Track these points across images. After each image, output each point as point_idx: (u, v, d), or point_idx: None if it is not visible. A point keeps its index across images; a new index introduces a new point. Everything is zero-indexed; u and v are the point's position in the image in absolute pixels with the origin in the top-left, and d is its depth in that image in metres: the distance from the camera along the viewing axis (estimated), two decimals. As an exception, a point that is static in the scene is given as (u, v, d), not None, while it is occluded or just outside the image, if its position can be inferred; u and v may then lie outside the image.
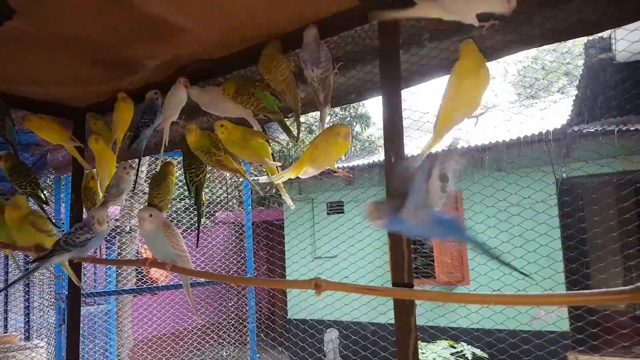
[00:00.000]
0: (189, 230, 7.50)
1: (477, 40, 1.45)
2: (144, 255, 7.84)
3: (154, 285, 7.04)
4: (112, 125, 2.13)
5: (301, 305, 8.48)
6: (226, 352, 6.73)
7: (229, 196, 5.99)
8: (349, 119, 14.06)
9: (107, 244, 6.49)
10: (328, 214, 8.70)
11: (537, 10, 1.39)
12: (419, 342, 5.53)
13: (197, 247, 1.89)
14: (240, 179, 5.47)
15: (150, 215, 1.59)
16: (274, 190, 9.39)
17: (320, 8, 1.55)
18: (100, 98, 2.27)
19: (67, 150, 2.99)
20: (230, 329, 6.61)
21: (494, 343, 5.74)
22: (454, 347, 5.73)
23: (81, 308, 3.69)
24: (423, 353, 5.61)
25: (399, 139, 1.40)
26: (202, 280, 4.93)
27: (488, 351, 5.95)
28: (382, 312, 6.39)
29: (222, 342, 6.60)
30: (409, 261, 1.35)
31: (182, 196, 6.67)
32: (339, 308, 6.65)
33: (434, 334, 5.84)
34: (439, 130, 1.42)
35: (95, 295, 4.42)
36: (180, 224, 6.89)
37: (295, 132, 1.75)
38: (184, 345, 6.88)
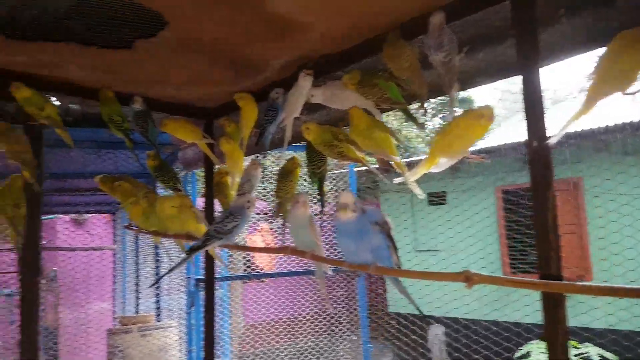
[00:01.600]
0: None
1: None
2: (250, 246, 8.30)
3: (265, 272, 7.40)
4: (240, 123, 2.28)
5: (402, 300, 8.37)
6: (335, 341, 6.88)
7: (335, 188, 6.08)
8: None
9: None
10: (429, 205, 8.46)
11: None
12: (538, 341, 5.18)
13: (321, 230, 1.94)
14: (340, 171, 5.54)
15: (306, 202, 1.65)
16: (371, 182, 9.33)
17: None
18: (227, 98, 2.44)
19: (196, 148, 3.27)
20: (341, 317, 6.74)
21: (625, 345, 5.21)
22: (577, 348, 5.30)
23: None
24: (542, 353, 5.25)
25: (541, 120, 1.32)
26: (311, 268, 5.08)
27: (618, 354, 5.42)
28: (495, 307, 6.10)
29: (330, 331, 6.76)
30: (557, 251, 1.27)
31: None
32: (448, 302, 6.44)
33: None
34: (587, 103, 1.33)
35: (225, 280, 4.76)
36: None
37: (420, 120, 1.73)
38: (292, 332, 7.17)
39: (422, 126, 2.08)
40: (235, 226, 1.81)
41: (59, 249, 7.54)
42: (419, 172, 1.63)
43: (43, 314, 6.76)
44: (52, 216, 7.62)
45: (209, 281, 2.52)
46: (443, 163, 1.56)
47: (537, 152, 1.32)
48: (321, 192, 2.04)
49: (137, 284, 6.50)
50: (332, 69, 2.02)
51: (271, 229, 8.16)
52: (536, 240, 1.28)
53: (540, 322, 1.19)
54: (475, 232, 6.33)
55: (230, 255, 7.63)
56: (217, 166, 2.60)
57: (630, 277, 4.75)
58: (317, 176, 2.01)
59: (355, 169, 5.07)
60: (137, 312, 6.28)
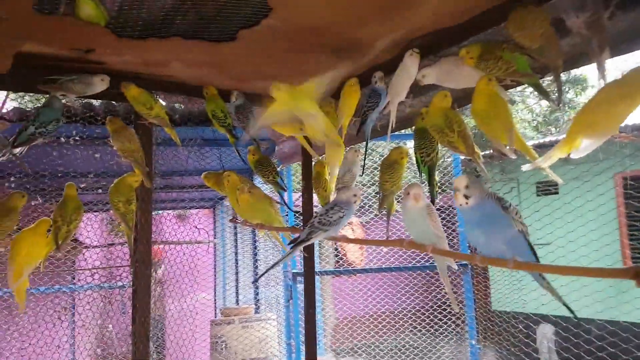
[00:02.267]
0: (380, 216, 7.60)
1: None
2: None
3: (354, 268, 7.34)
4: (337, 112, 2.17)
5: (507, 297, 7.84)
6: (435, 338, 6.63)
7: (442, 180, 5.78)
8: (563, 84, 12.32)
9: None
10: (538, 195, 7.83)
11: None
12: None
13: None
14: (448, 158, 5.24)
15: (417, 194, 1.50)
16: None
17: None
18: (330, 86, 2.34)
19: (293, 142, 3.24)
20: (441, 313, 6.47)
21: None
22: None
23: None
24: None
25: None
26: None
27: None
28: (611, 305, 5.47)
29: (431, 328, 6.51)
30: None
31: (372, 182, 6.73)
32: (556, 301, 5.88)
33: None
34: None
35: (324, 274, 4.77)
36: (370, 210, 6.95)
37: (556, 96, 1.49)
38: (390, 327, 7.03)
39: (556, 102, 1.79)
40: (341, 217, 1.74)
41: (165, 243, 8.05)
42: (554, 156, 1.39)
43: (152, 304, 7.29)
44: (158, 212, 8.19)
45: (308, 275, 2.46)
46: (585, 146, 1.32)
47: None
48: (431, 183, 1.87)
49: (236, 276, 6.74)
50: (443, 46, 1.84)
51: (361, 222, 8.05)
52: None
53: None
54: (591, 224, 5.71)
55: (322, 248, 7.66)
56: (315, 158, 2.53)
57: None
58: (427, 164, 1.84)
59: (462, 157, 4.77)
60: (237, 303, 6.52)
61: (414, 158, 1.95)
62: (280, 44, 1.81)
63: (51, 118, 1.73)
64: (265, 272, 1.93)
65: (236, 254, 6.75)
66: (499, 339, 7.77)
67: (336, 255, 8.26)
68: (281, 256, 1.89)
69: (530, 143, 7.67)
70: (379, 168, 2.03)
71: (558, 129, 12.07)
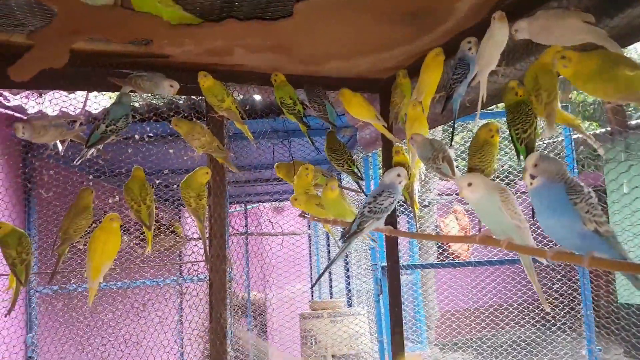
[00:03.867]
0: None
1: None
2: (444, 230, 7.88)
3: (456, 261, 6.94)
4: (417, 87, 1.94)
5: (634, 288, 6.87)
6: (548, 337, 6.06)
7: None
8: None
9: (407, 218, 6.74)
10: (672, 174, 6.73)
11: None
12: None
13: (532, 218, 1.50)
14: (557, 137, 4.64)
15: (470, 184, 1.30)
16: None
17: None
18: (406, 62, 2.12)
19: (374, 128, 3.05)
20: (557, 307, 5.88)
21: None
22: None
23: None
24: None
25: None
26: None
27: None
28: None
29: (547, 322, 5.96)
30: None
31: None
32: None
33: None
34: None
35: (411, 267, 4.55)
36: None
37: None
38: (495, 320, 6.56)
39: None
40: (392, 203, 1.64)
41: (263, 235, 8.32)
42: None
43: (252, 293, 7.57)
44: (256, 204, 8.48)
45: (392, 269, 2.26)
46: None
47: None
48: None
49: (329, 268, 6.73)
50: (538, 2, 1.53)
51: (467, 210, 7.59)
52: None
53: None
54: None
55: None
56: (395, 143, 2.32)
57: None
58: (524, 142, 1.56)
59: (574, 136, 4.22)
60: (331, 295, 6.51)
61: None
62: (342, 16, 1.64)
63: (121, 114, 1.75)
64: (322, 273, 1.84)
65: (328, 245, 6.74)
66: (626, 335, 6.88)
67: (439, 247, 7.89)
68: (338, 252, 1.76)
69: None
70: (468, 150, 1.77)
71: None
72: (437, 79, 1.89)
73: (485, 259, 5.71)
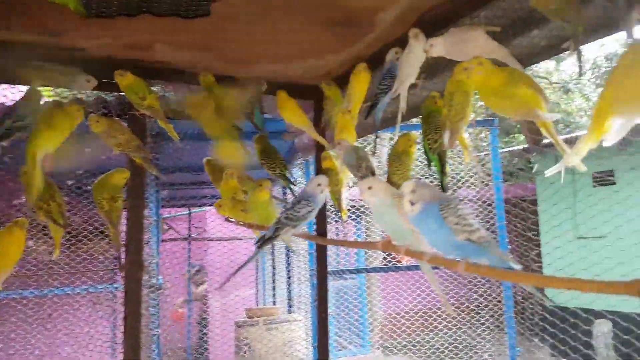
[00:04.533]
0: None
1: None
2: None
3: (397, 265, 7.10)
4: (345, 97, 1.97)
5: (563, 293, 7.31)
6: (479, 335, 6.31)
7: (472, 172, 5.46)
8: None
9: (355, 224, 6.81)
10: (594, 186, 7.26)
11: None
12: None
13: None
14: (481, 154, 4.89)
15: (370, 188, 1.32)
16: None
17: None
18: (338, 70, 2.14)
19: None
20: (483, 310, 6.12)
21: None
22: None
23: (333, 282, 3.79)
24: None
25: None
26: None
27: None
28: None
29: (476, 324, 6.20)
30: None
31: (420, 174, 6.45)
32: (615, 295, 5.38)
33: None
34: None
35: (340, 274, 4.58)
36: None
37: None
38: (434, 324, 6.76)
39: (578, 74, 1.53)
40: (309, 212, 1.64)
41: (207, 240, 8.13)
42: (583, 148, 1.13)
43: (192, 305, 7.36)
44: (202, 209, 8.27)
45: (320, 275, 2.27)
46: (617, 128, 1.04)
47: None
48: (442, 172, 1.63)
49: (273, 274, 6.68)
50: (457, 18, 1.59)
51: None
52: None
53: None
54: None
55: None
56: (328, 149, 2.33)
57: None
58: (435, 153, 1.61)
59: (508, 149, 4.43)
60: (274, 302, 6.45)
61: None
62: (265, 19, 1.63)
63: (28, 111, 1.65)
64: (231, 275, 1.80)
65: (273, 251, 6.69)
66: (552, 336, 7.29)
67: (383, 251, 8.01)
68: (250, 257, 1.76)
69: (584, 132, 7.09)
70: (388, 159, 1.81)
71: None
72: (365, 89, 1.93)
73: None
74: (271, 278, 6.59)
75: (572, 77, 11.06)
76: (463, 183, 7.21)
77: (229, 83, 2.01)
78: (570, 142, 1.36)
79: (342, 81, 2.06)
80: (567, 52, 1.23)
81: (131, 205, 1.90)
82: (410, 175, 1.73)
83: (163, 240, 6.47)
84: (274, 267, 6.49)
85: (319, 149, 2.44)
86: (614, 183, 6.97)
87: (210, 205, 8.09)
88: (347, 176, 2.20)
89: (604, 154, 6.67)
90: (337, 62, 2.05)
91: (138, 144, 1.92)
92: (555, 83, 11.72)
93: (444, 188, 1.62)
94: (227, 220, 2.43)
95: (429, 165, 1.66)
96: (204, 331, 7.37)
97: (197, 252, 8.31)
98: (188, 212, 7.91)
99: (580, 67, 1.28)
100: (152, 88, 1.96)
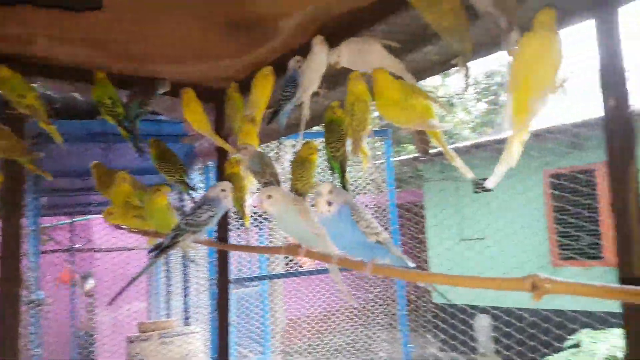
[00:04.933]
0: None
1: None
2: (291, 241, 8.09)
3: (299, 271, 7.19)
4: (248, 102, 1.96)
5: (448, 290, 7.94)
6: (374, 334, 6.61)
7: (367, 178, 5.74)
8: (494, 86, 12.82)
9: (258, 230, 6.74)
10: (475, 192, 8.01)
11: None
12: (590, 329, 4.66)
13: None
14: (376, 162, 5.17)
15: (269, 197, 1.36)
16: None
17: None
18: (240, 74, 2.11)
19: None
20: (378, 310, 6.44)
21: None
22: None
23: (235, 290, 3.70)
24: (594, 342, 4.72)
25: (620, 73, 1.04)
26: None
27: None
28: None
29: (371, 324, 6.49)
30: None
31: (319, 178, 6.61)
32: (493, 291, 6.03)
33: (603, 318, 4.89)
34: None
35: (243, 281, 4.52)
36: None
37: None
38: (332, 326, 6.94)
39: (465, 87, 1.69)
40: (211, 217, 1.60)
41: (94, 250, 7.53)
42: (514, 142, 1.19)
43: (77, 318, 6.75)
44: (87, 217, 7.63)
45: (221, 283, 2.21)
46: (533, 111, 1.13)
47: (615, 113, 1.03)
48: (343, 179, 1.69)
49: (168, 286, 6.38)
50: (358, 30, 1.66)
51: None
52: (614, 232, 1.03)
53: (589, 310, 0.83)
54: (523, 219, 5.87)
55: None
56: (231, 155, 2.29)
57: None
58: (337, 160, 1.67)
59: (394, 159, 4.72)
60: (168, 314, 6.16)
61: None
62: (162, 16, 1.56)
63: None
64: (125, 288, 1.70)
65: (168, 262, 6.38)
66: (440, 332, 7.89)
67: (286, 257, 8.04)
68: (144, 267, 1.68)
69: (467, 143, 7.85)
70: (291, 166, 1.83)
71: (493, 130, 12.50)
72: (269, 95, 1.93)
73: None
74: (165, 289, 6.26)
75: (455, 92, 12.16)
76: (361, 190, 7.54)
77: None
78: (457, 151, 1.51)
79: (245, 85, 2.05)
80: (455, 68, 1.34)
81: (6, 213, 1.69)
82: (314, 182, 1.76)
83: (43, 252, 5.85)
84: (168, 278, 6.18)
85: (221, 153, 2.39)
86: (492, 190, 7.70)
87: (97, 214, 7.50)
88: (251, 182, 2.19)
89: (483, 163, 7.42)
90: (239, 65, 2.03)
91: (23, 147, 1.73)
92: (441, 97, 12.81)
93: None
94: (117, 228, 2.27)
95: (331, 173, 1.71)
96: (90, 349, 6.79)
97: (81, 264, 7.67)
98: (71, 220, 7.28)
99: (466, 82, 1.41)
100: (32, 85, 1.78)
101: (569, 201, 6.55)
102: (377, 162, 5.92)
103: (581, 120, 5.79)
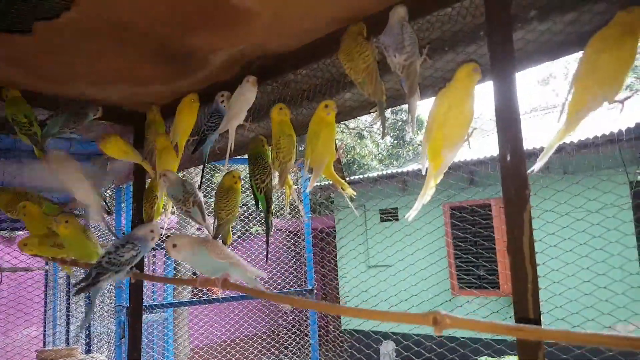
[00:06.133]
0: (240, 240, 7.44)
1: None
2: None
3: (204, 298, 7.04)
4: (172, 128, 1.99)
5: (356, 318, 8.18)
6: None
7: (282, 204, 5.86)
8: (400, 123, 13.67)
9: (165, 260, 6.50)
10: (381, 221, 8.41)
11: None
12: (487, 357, 5.10)
13: (266, 261, 1.70)
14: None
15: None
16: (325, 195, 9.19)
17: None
18: (163, 100, 2.14)
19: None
20: (290, 337, 6.45)
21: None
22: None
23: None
24: None
25: (516, 131, 1.15)
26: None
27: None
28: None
29: (281, 350, 6.47)
30: (535, 285, 1.08)
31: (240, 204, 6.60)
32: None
33: (500, 349, 5.39)
34: (569, 118, 1.16)
35: (152, 309, 4.33)
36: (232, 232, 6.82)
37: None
38: (242, 352, 6.79)
39: (382, 134, 1.87)
40: (134, 256, 1.60)
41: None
42: (430, 186, 1.38)
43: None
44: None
45: (134, 311, 2.16)
46: (448, 160, 1.31)
47: (511, 167, 1.14)
48: (267, 210, 1.77)
49: (68, 310, 5.91)
50: (284, 69, 1.79)
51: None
52: (511, 274, 1.10)
53: (496, 338, 0.98)
54: (425, 248, 6.26)
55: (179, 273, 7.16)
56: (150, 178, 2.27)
57: (572, 295, 4.78)
58: (262, 191, 1.75)
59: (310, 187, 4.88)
60: (67, 340, 5.70)
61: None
62: (94, 45, 1.57)
63: None
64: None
65: (68, 284, 5.92)
66: (348, 357, 8.05)
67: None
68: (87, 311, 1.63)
69: (375, 174, 8.30)
70: (214, 195, 1.88)
71: (399, 163, 13.28)
72: (192, 123, 1.97)
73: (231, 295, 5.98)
74: (65, 315, 5.79)
75: (365, 125, 12.79)
76: (278, 217, 7.62)
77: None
78: (366, 181, 1.67)
79: (168, 110, 2.08)
80: (373, 114, 1.52)
81: None
82: (237, 211, 1.81)
83: None
84: (68, 304, 5.72)
85: (138, 176, 2.36)
86: (397, 219, 8.14)
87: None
88: (166, 206, 2.19)
89: (389, 193, 7.87)
90: (166, 92, 2.06)
91: None
92: (352, 129, 13.40)
93: (268, 227, 1.76)
94: (33, 254, 2.13)
95: (256, 205, 1.78)
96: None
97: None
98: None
99: (383, 131, 1.58)
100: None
101: (468, 233, 7.13)
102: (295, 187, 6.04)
103: (477, 159, 6.39)
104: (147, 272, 4.52)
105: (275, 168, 1.67)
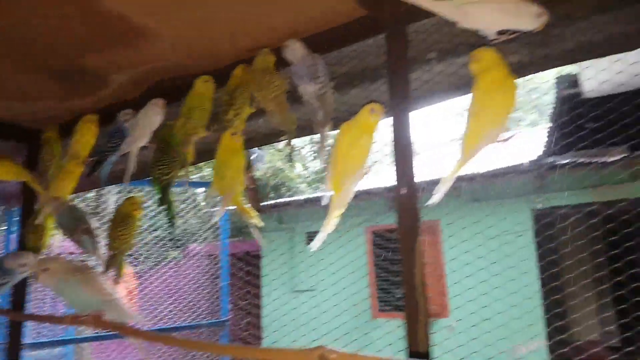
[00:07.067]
0: (161, 266, 7.06)
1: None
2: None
3: (99, 334, 6.55)
4: (68, 149, 1.84)
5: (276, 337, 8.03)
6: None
7: (203, 226, 5.66)
8: (327, 147, 13.88)
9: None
10: (307, 244, 8.41)
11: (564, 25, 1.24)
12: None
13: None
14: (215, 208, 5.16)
15: (45, 270, 1.32)
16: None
17: (318, 19, 1.35)
18: (62, 118, 1.98)
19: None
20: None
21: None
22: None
23: (31, 352, 3.19)
24: None
25: (410, 166, 1.20)
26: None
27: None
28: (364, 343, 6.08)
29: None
30: (426, 318, 1.09)
31: (154, 227, 6.25)
32: (317, 341, 6.28)
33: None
34: (465, 153, 1.22)
35: (43, 345, 3.93)
36: (149, 258, 6.48)
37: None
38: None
39: (289, 159, 1.87)
40: (2, 285, 1.53)
41: None
42: (332, 216, 1.35)
43: None
44: None
45: (13, 352, 1.91)
46: (347, 192, 1.32)
47: (405, 200, 1.17)
48: (164, 203, 1.60)
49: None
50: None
51: (137, 273, 7.26)
52: (405, 306, 1.11)
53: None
54: (349, 271, 6.34)
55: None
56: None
57: (486, 314, 5.08)
58: (162, 183, 1.59)
59: (230, 208, 4.80)
60: None
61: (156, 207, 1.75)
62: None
63: None
64: None
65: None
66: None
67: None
68: None
69: (303, 197, 8.32)
70: (109, 221, 1.73)
71: (325, 186, 13.42)
72: (91, 143, 1.84)
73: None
74: None
75: (293, 149, 12.86)
76: (196, 239, 7.32)
77: None
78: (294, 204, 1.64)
79: (65, 130, 1.93)
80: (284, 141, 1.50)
81: None
82: (132, 242, 1.68)
83: None
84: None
85: (27, 198, 2.16)
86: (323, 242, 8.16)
87: None
88: (51, 233, 2.00)
89: (316, 216, 7.90)
90: (61, 109, 1.92)
91: None
92: (280, 151, 13.45)
93: (172, 221, 1.64)
94: None
95: (157, 194, 1.62)
96: None
97: None
98: None
99: (291, 157, 1.57)
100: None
101: (388, 257, 7.32)
102: (213, 209, 5.88)
103: (390, 185, 6.62)
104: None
105: (180, 136, 1.56)
